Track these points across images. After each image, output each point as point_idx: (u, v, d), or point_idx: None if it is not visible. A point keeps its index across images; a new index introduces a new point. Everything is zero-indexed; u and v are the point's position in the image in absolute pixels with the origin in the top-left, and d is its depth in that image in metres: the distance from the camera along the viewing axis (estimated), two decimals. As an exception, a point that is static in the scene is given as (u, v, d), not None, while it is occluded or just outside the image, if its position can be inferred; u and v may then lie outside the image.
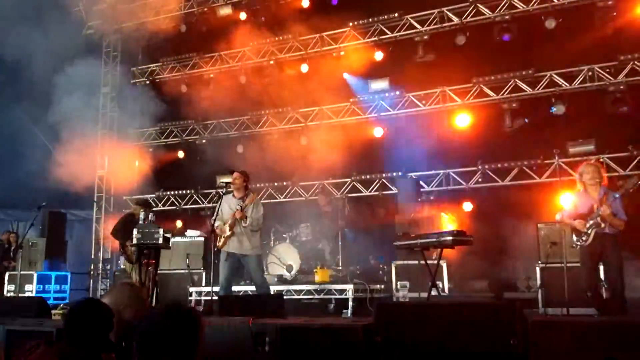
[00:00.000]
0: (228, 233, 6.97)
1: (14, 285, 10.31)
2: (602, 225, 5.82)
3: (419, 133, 10.84)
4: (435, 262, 7.20)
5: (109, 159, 13.64)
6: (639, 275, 7.56)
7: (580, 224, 5.97)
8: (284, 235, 9.53)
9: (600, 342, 3.46)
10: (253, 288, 8.30)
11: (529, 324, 3.59)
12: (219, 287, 7.13)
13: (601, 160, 9.62)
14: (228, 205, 7.15)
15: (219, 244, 7.07)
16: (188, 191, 12.89)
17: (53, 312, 6.67)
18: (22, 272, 10.39)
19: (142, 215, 7.55)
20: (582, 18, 9.70)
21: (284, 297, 7.53)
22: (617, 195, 5.89)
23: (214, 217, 7.11)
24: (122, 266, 9.02)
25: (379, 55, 11.44)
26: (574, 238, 6.08)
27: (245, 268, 7.24)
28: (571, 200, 6.26)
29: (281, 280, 8.88)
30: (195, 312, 2.30)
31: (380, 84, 11.44)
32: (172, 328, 2.16)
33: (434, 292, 6.97)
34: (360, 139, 11.23)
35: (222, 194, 7.43)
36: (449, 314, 3.69)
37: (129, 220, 8.31)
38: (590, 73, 9.87)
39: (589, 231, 5.90)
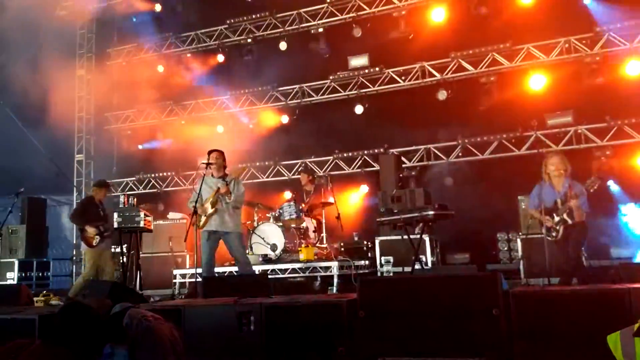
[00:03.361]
0: (211, 211, 6.90)
1: (-5, 273, 10.19)
2: (569, 221, 5.86)
3: (400, 109, 10.86)
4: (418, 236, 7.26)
5: (87, 142, 13.45)
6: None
7: (549, 221, 5.99)
8: (267, 214, 9.52)
9: (580, 310, 3.52)
10: (236, 268, 8.33)
11: (510, 294, 3.65)
12: (201, 269, 7.05)
13: (579, 131, 9.76)
14: (207, 185, 7.08)
15: (200, 224, 6.98)
16: (169, 173, 12.79)
17: (35, 299, 6.61)
18: (2, 260, 10.27)
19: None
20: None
21: (269, 276, 7.57)
22: (582, 188, 5.87)
23: (192, 199, 7.01)
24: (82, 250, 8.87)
25: (357, 32, 11.36)
26: (544, 231, 6.09)
27: (227, 246, 7.13)
28: (536, 191, 6.21)
29: (266, 259, 8.88)
30: (92, 311, 2.81)
31: (360, 61, 11.39)
32: (64, 322, 2.72)
33: (417, 266, 7.05)
34: (341, 116, 11.23)
35: (204, 174, 7.34)
36: (432, 287, 3.73)
37: (87, 203, 8.19)
38: (567, 45, 9.92)
39: (558, 227, 5.94)
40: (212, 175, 7.14)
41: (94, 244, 7.75)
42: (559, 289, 4.68)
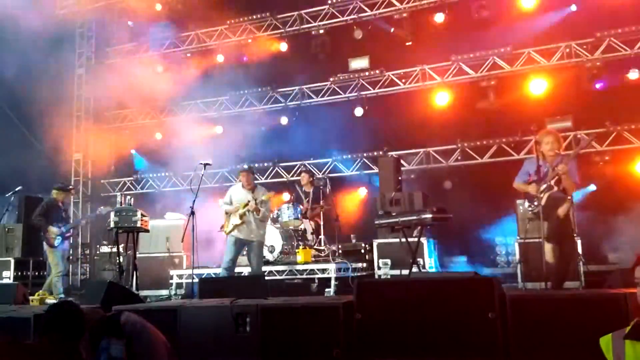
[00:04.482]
0: (239, 222, 7.40)
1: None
2: (555, 188, 5.57)
3: (400, 112, 10.86)
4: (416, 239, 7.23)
5: (85, 142, 13.42)
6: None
7: (534, 188, 5.67)
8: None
9: (577, 315, 3.51)
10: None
11: (507, 298, 3.62)
12: (222, 267, 7.45)
13: (578, 136, 9.74)
14: (239, 195, 7.59)
15: (226, 229, 7.52)
16: (167, 173, 12.76)
17: (31, 298, 6.58)
18: (-1, 259, 10.22)
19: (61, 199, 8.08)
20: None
21: (267, 278, 7.58)
22: (572, 156, 5.66)
23: (223, 201, 7.67)
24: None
25: (358, 34, 11.35)
26: (526, 204, 5.88)
27: (247, 252, 7.59)
28: (526, 167, 5.94)
29: (264, 261, 8.85)
30: (76, 309, 3.07)
31: (360, 63, 11.39)
32: (54, 316, 3.00)
33: (414, 269, 7.02)
34: (341, 118, 11.22)
35: (201, 175, 7.45)
36: (428, 289, 3.71)
37: (51, 205, 8.44)
38: (567, 50, 9.92)
39: (542, 194, 5.59)
40: (243, 186, 7.66)
41: (55, 244, 8.14)
42: (555, 293, 4.66)
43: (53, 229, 8.16)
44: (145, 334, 3.06)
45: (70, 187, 8.82)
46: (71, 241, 12.40)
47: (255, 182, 7.93)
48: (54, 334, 2.92)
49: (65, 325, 2.97)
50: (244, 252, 7.68)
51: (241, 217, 7.43)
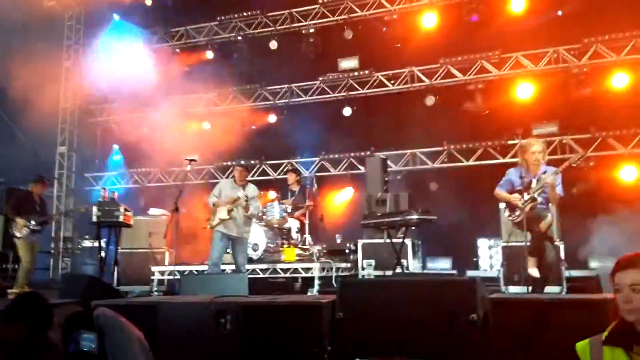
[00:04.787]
0: (226, 217, 7.26)
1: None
2: (538, 199, 5.55)
3: (388, 113, 10.86)
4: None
5: (70, 135, 13.27)
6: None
7: (516, 198, 5.66)
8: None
9: (559, 320, 3.52)
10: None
11: (489, 301, 3.63)
12: (209, 262, 7.33)
13: (564, 141, 9.81)
14: (228, 190, 7.46)
15: (212, 223, 7.35)
16: (152, 169, 12.66)
17: (9, 291, 6.50)
18: (-22, 252, 10.07)
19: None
20: (549, 0, 9.78)
21: (250, 276, 7.53)
22: (559, 170, 5.63)
23: (212, 195, 7.48)
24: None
25: (348, 34, 11.34)
26: (507, 213, 5.87)
27: (232, 248, 7.50)
28: (509, 176, 5.92)
29: (247, 259, 8.81)
30: (40, 299, 3.13)
31: (350, 63, 11.37)
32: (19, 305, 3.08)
33: (398, 270, 7.03)
34: (329, 117, 11.20)
35: (187, 171, 7.42)
36: (410, 290, 3.71)
37: (25, 197, 8.50)
38: (555, 55, 9.98)
39: (524, 205, 5.57)
40: (235, 181, 7.55)
41: (19, 235, 8.12)
42: (537, 297, 4.68)
43: (20, 220, 8.14)
44: (118, 329, 3.03)
45: (46, 179, 8.71)
46: (52, 234, 12.43)
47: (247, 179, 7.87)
48: (20, 323, 2.95)
49: (29, 314, 3.00)
50: (228, 250, 7.64)
51: (229, 212, 7.33)
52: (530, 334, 3.53)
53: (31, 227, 8.17)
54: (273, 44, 11.78)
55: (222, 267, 7.87)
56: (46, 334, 2.95)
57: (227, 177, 7.72)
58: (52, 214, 8.34)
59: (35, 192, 8.48)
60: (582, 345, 2.42)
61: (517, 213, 5.66)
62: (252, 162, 11.99)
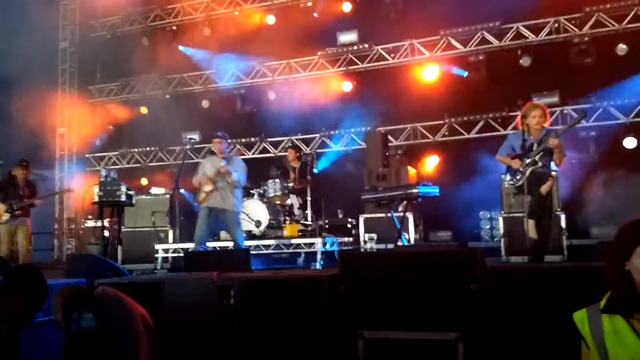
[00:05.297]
0: (210, 188, 6.99)
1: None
2: (540, 163, 5.54)
3: (388, 87, 10.78)
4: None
5: (70, 116, 13.24)
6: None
7: (517, 162, 5.67)
8: (251, 191, 9.47)
9: (559, 288, 3.54)
10: (222, 244, 8.32)
11: (489, 270, 3.65)
12: (194, 242, 7.14)
13: (565, 111, 9.77)
14: (211, 164, 7.19)
15: (199, 198, 7.09)
16: (153, 148, 12.65)
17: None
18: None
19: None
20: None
21: (253, 252, 7.57)
22: (560, 131, 5.68)
23: (195, 174, 7.20)
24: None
25: (347, 7, 11.21)
26: (508, 177, 5.88)
27: (224, 224, 7.27)
28: (509, 140, 5.94)
29: (250, 236, 8.86)
30: (38, 272, 3.27)
31: (349, 37, 11.26)
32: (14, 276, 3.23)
33: (400, 243, 7.07)
34: (329, 93, 11.13)
35: (187, 150, 7.35)
36: (411, 262, 3.72)
37: (7, 181, 8.53)
38: (556, 25, 9.87)
39: (525, 169, 5.57)
40: (217, 156, 7.25)
41: (2, 221, 8.17)
42: (537, 265, 4.71)
43: (1, 205, 8.20)
44: (120, 306, 3.06)
45: (29, 163, 8.74)
46: (56, 215, 12.49)
47: (230, 152, 7.49)
48: (19, 295, 3.07)
49: (26, 286, 3.11)
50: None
51: (213, 182, 7.02)
52: (530, 302, 3.56)
53: (12, 212, 8.22)
54: (271, 19, 11.65)
55: (228, 243, 7.80)
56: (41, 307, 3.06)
57: (215, 157, 7.31)
58: (31, 200, 8.31)
59: (19, 176, 8.46)
60: (579, 315, 2.41)
61: (518, 177, 5.67)
62: (252, 139, 11.98)
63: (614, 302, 2.33)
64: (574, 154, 8.84)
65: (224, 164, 7.03)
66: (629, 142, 9.32)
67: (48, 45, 12.30)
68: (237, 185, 7.13)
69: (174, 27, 12.51)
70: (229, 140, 7.46)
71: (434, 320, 3.53)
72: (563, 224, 7.10)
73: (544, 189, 5.51)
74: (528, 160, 5.59)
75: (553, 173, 5.80)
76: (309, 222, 9.22)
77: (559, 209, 7.07)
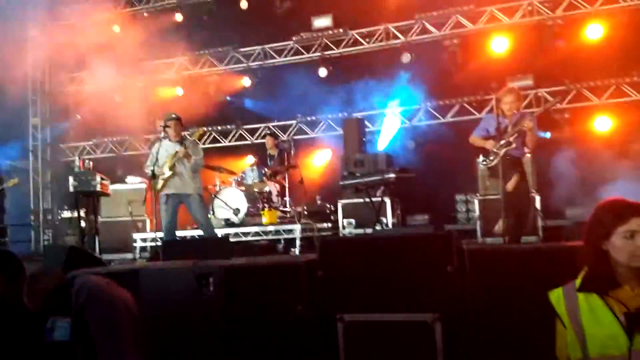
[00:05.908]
0: (168, 174, 6.86)
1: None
2: (513, 145, 5.58)
3: (364, 72, 10.77)
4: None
5: (42, 106, 12.97)
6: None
7: (491, 143, 5.69)
8: (229, 179, 9.43)
9: (535, 267, 3.60)
10: (199, 232, 8.27)
11: (465, 251, 3.69)
12: (163, 232, 6.98)
13: (539, 94, 9.88)
14: (165, 149, 7.03)
15: (158, 187, 6.94)
16: (127, 137, 12.48)
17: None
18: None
19: None
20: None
21: (232, 240, 7.55)
22: (534, 114, 5.75)
23: (149, 162, 6.99)
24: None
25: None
26: (481, 159, 5.93)
27: (188, 209, 7.11)
28: (484, 122, 5.99)
29: (228, 223, 8.84)
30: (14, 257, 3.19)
31: (324, 21, 11.19)
32: None
33: (378, 228, 7.12)
34: (305, 79, 11.08)
35: (161, 138, 7.24)
36: (388, 246, 3.75)
37: None
38: (529, 8, 9.94)
39: (499, 150, 5.59)
40: (169, 140, 7.08)
41: None
42: (512, 246, 4.78)
43: None
44: (100, 294, 2.99)
45: None
46: (32, 207, 12.27)
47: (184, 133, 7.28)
48: None
49: (3, 267, 3.05)
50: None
51: (171, 168, 6.86)
52: (506, 282, 3.61)
53: None
54: (244, 4, 11.49)
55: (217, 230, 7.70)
56: (22, 288, 2.95)
57: (171, 141, 7.10)
58: None
59: None
60: (555, 294, 2.43)
61: (492, 157, 5.71)
62: (229, 127, 11.89)
63: (590, 280, 2.35)
64: (547, 135, 8.97)
65: (181, 148, 6.88)
66: (602, 123, 9.47)
67: (17, 33, 11.97)
68: (196, 168, 7.01)
69: (145, 14, 12.28)
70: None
71: (411, 302, 3.57)
72: (538, 205, 7.21)
73: (510, 185, 5.55)
74: (502, 142, 5.63)
75: (527, 155, 5.88)
76: (287, 209, 9.23)
77: (533, 191, 7.18)
